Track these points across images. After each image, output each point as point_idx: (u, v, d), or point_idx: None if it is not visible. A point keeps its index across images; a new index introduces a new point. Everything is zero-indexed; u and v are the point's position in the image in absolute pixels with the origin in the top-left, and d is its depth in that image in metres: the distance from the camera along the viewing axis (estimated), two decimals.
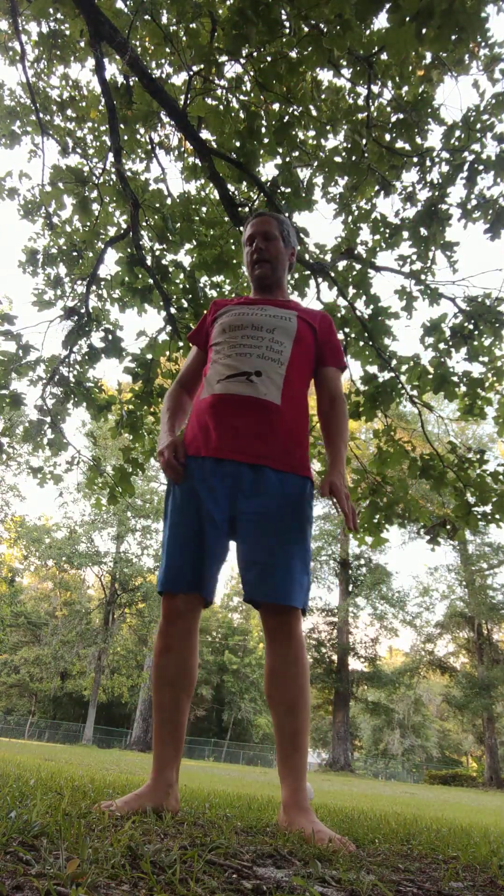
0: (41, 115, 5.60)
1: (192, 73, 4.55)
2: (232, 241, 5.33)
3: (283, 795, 1.70)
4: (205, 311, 2.18)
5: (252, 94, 4.97)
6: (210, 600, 1.83)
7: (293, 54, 4.29)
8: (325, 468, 2.01)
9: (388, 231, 5.31)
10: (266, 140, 4.71)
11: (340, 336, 5.54)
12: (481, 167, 4.76)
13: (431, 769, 32.86)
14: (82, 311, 5.89)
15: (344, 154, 4.98)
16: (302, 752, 1.71)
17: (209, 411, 1.88)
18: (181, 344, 5.52)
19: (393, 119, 5.00)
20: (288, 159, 4.89)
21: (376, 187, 5.15)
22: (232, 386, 1.87)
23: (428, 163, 4.99)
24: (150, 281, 5.48)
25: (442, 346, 5.34)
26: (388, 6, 3.08)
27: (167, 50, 4.90)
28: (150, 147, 5.66)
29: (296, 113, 4.84)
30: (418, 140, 4.96)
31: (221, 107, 4.92)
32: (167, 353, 5.75)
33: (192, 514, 1.79)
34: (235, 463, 1.80)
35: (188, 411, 2.14)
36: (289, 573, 1.74)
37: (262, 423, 1.84)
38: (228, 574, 39.31)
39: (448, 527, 5.71)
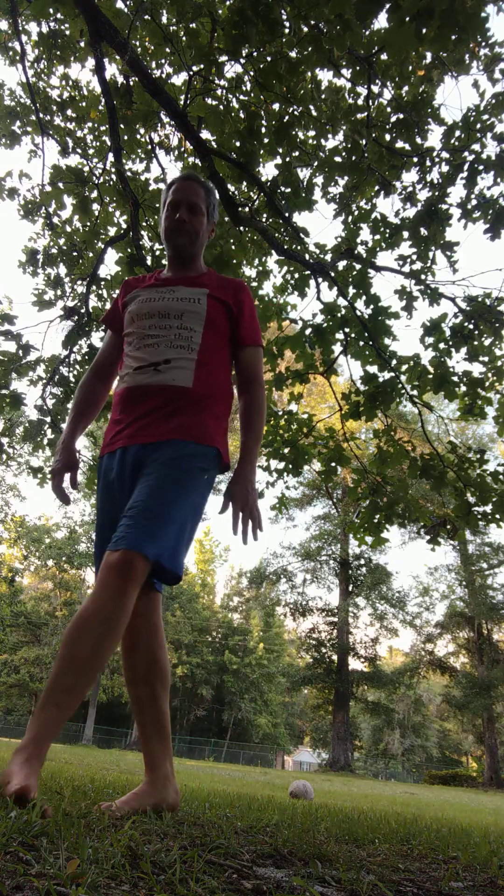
0: (41, 115, 5.60)
1: (192, 73, 4.55)
2: (232, 241, 5.33)
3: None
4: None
5: (252, 94, 4.97)
6: (156, 588, 1.79)
7: (293, 54, 4.29)
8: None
9: (388, 231, 5.30)
10: (266, 140, 4.71)
11: (340, 336, 5.54)
12: (481, 167, 4.76)
13: (431, 769, 32.86)
14: (82, 311, 5.89)
15: (344, 154, 4.98)
16: (65, 710, 1.44)
17: (120, 405, 1.85)
18: None
19: (393, 119, 4.99)
20: (288, 159, 4.89)
21: (376, 187, 5.15)
22: (139, 377, 1.81)
23: (428, 163, 4.99)
24: None
25: (442, 345, 5.34)
26: (388, 6, 3.08)
27: (167, 50, 4.90)
28: (150, 147, 5.66)
29: (296, 113, 4.84)
30: (418, 140, 4.96)
31: (221, 107, 4.92)
32: None
33: (107, 508, 1.76)
34: (142, 446, 1.74)
35: (100, 403, 2.04)
36: (142, 515, 1.58)
37: (170, 404, 1.76)
38: (228, 574, 39.31)
39: (448, 527, 5.71)
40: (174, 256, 2.03)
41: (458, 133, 4.79)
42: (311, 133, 5.26)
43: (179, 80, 5.69)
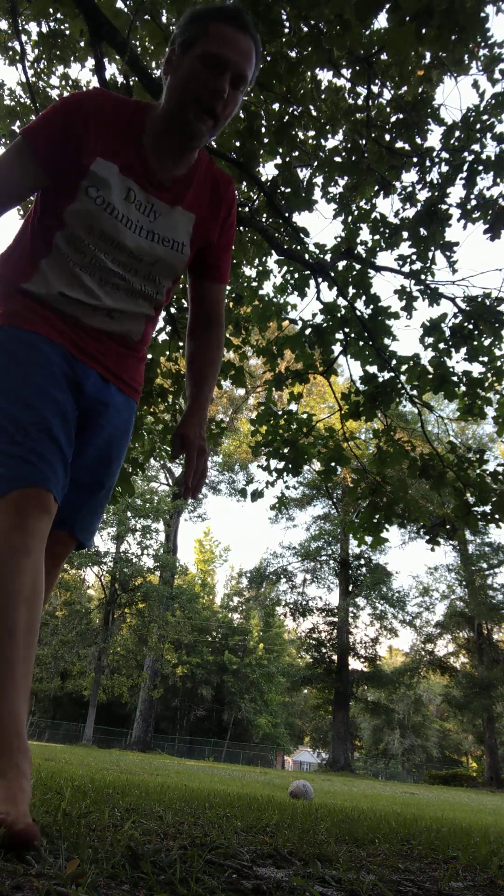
0: None
1: None
2: None
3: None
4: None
5: (252, 94, 4.97)
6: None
7: (293, 54, 4.29)
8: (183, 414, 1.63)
9: (387, 231, 5.31)
10: (266, 140, 4.71)
11: (340, 336, 5.54)
12: (481, 167, 4.76)
13: (431, 769, 32.86)
14: None
15: (344, 154, 4.98)
16: None
17: (59, 324, 1.46)
18: (181, 344, 5.52)
19: (393, 119, 5.00)
20: (288, 159, 4.89)
21: (376, 187, 5.15)
22: (90, 319, 1.48)
23: (428, 163, 4.99)
24: None
25: (442, 346, 5.34)
26: (388, 6, 3.08)
27: (167, 50, 4.90)
28: None
29: (296, 113, 4.84)
30: (418, 140, 4.96)
31: None
32: (167, 352, 5.75)
33: (55, 395, 1.41)
34: (101, 378, 1.52)
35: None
36: (103, 504, 1.65)
37: (121, 355, 1.56)
38: (228, 574, 39.35)
39: (448, 527, 5.71)
40: (177, 142, 1.43)
41: (457, 133, 4.79)
42: (311, 133, 5.27)
43: None
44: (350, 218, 5.41)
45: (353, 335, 5.44)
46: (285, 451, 5.71)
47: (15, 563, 1.23)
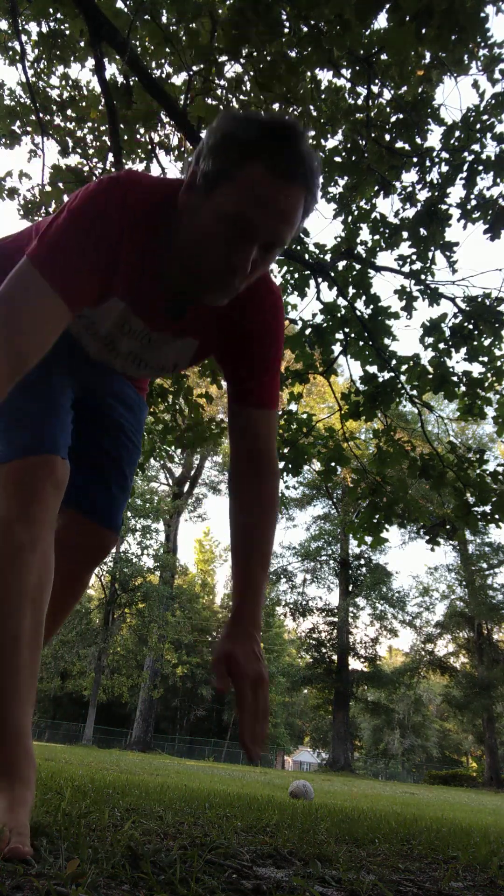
0: (41, 114, 5.60)
1: (192, 73, 4.55)
2: None
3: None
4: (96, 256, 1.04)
5: (252, 94, 4.97)
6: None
7: (293, 54, 4.29)
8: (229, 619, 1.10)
9: (387, 231, 5.31)
10: None
11: (340, 336, 5.54)
12: (481, 167, 4.76)
13: (431, 769, 32.86)
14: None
15: (344, 154, 4.98)
16: None
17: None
18: None
19: (393, 119, 5.00)
20: None
21: (376, 187, 5.15)
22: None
23: (428, 163, 4.99)
24: None
25: (442, 346, 5.34)
26: (388, 6, 3.08)
27: (167, 50, 4.90)
28: (150, 147, 5.66)
29: (296, 113, 4.84)
30: (418, 140, 4.96)
31: (221, 107, 4.92)
32: None
33: (66, 377, 1.33)
34: (124, 381, 1.50)
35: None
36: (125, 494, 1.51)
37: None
38: (228, 574, 39.38)
39: (448, 527, 5.71)
40: (191, 293, 1.12)
41: (457, 133, 4.79)
42: (311, 133, 5.26)
43: (179, 80, 5.68)
44: (350, 218, 5.41)
45: (353, 335, 5.44)
46: (285, 451, 5.71)
47: (20, 561, 1.09)
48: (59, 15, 5.05)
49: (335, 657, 29.83)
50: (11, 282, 1.02)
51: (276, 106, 4.93)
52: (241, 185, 0.97)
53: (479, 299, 5.21)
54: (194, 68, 4.52)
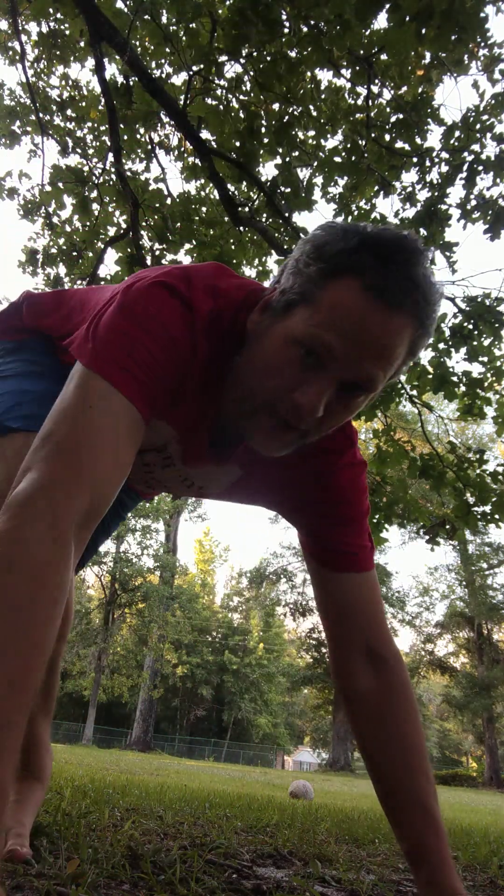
0: (41, 114, 5.60)
1: (192, 73, 4.55)
2: (232, 241, 5.33)
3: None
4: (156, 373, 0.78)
5: (252, 94, 4.97)
6: None
7: (293, 54, 4.29)
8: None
9: None
10: (266, 140, 4.71)
11: None
12: (481, 167, 4.76)
13: (431, 769, 32.84)
14: None
15: (344, 154, 4.98)
16: None
17: None
18: None
19: (393, 119, 5.00)
20: (288, 159, 4.89)
21: (376, 187, 5.15)
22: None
23: (427, 163, 4.99)
24: None
25: (442, 346, 5.34)
26: (388, 6, 3.08)
27: (167, 50, 4.90)
28: (150, 147, 5.66)
29: (296, 113, 4.84)
30: (418, 140, 4.96)
31: (221, 107, 4.92)
32: None
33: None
34: None
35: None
36: None
37: None
38: (228, 574, 39.37)
39: (447, 527, 5.71)
40: (253, 445, 0.87)
41: (457, 133, 4.79)
42: (311, 133, 5.27)
43: (179, 80, 5.69)
44: (350, 218, 5.41)
45: None
46: None
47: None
48: (58, 15, 5.05)
49: None
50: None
51: (276, 106, 4.93)
52: (326, 304, 0.75)
53: (479, 299, 5.21)
54: (194, 68, 4.53)
